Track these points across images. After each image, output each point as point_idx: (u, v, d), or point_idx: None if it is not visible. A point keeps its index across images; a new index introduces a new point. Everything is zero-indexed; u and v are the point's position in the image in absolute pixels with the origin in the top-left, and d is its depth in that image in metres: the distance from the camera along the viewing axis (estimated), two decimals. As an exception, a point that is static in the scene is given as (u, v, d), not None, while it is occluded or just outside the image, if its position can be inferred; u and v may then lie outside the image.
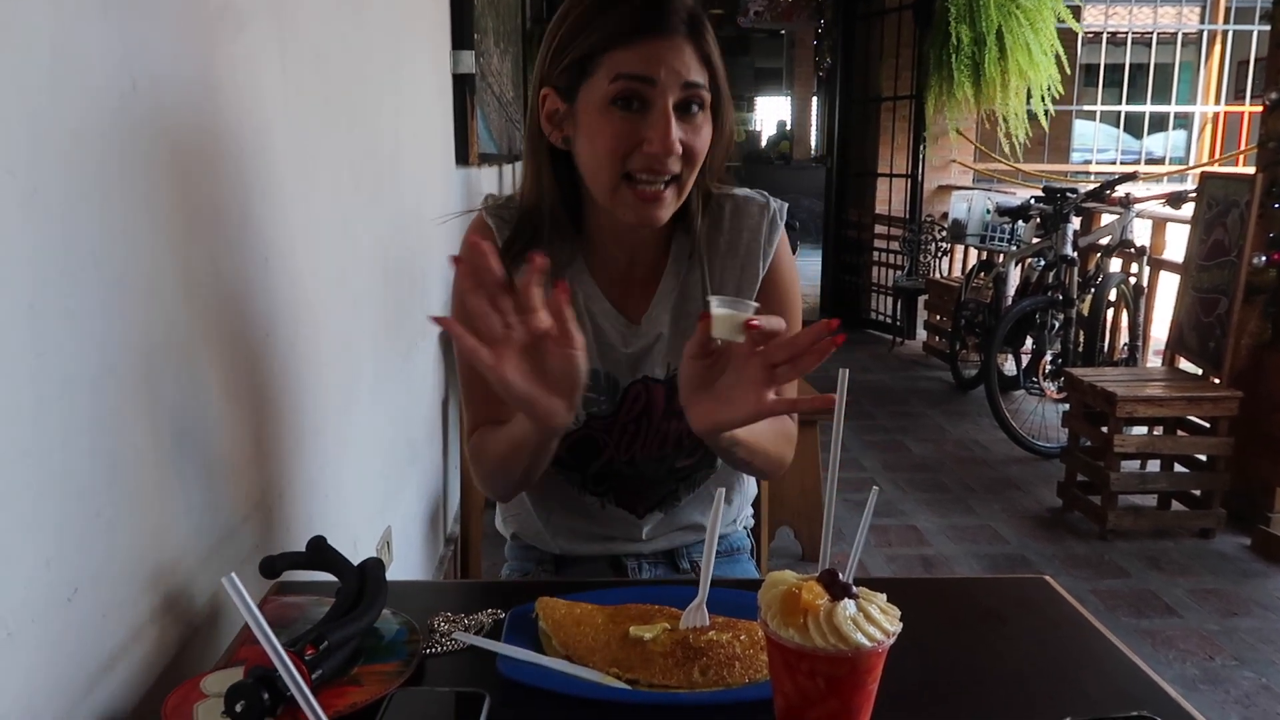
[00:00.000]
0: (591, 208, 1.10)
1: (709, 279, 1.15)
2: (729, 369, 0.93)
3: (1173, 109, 10.34)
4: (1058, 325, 4.40)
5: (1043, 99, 5.81)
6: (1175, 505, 3.41)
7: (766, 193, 1.19)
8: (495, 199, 1.17)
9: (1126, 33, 10.12)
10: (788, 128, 10.04)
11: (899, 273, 6.40)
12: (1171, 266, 4.22)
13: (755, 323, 0.87)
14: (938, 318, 5.81)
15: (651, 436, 1.17)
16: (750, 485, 1.33)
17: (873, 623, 0.68)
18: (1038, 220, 4.68)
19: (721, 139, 1.07)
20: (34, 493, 0.70)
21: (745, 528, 1.38)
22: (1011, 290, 4.87)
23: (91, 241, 0.78)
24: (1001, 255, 5.18)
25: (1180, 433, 3.38)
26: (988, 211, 5.62)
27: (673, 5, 1.00)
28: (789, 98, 11.44)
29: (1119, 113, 10.20)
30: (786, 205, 1.19)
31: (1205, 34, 10.35)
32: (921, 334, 6.27)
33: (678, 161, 1.00)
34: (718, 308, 0.89)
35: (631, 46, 0.98)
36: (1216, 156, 9.46)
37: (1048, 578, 1.06)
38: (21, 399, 0.69)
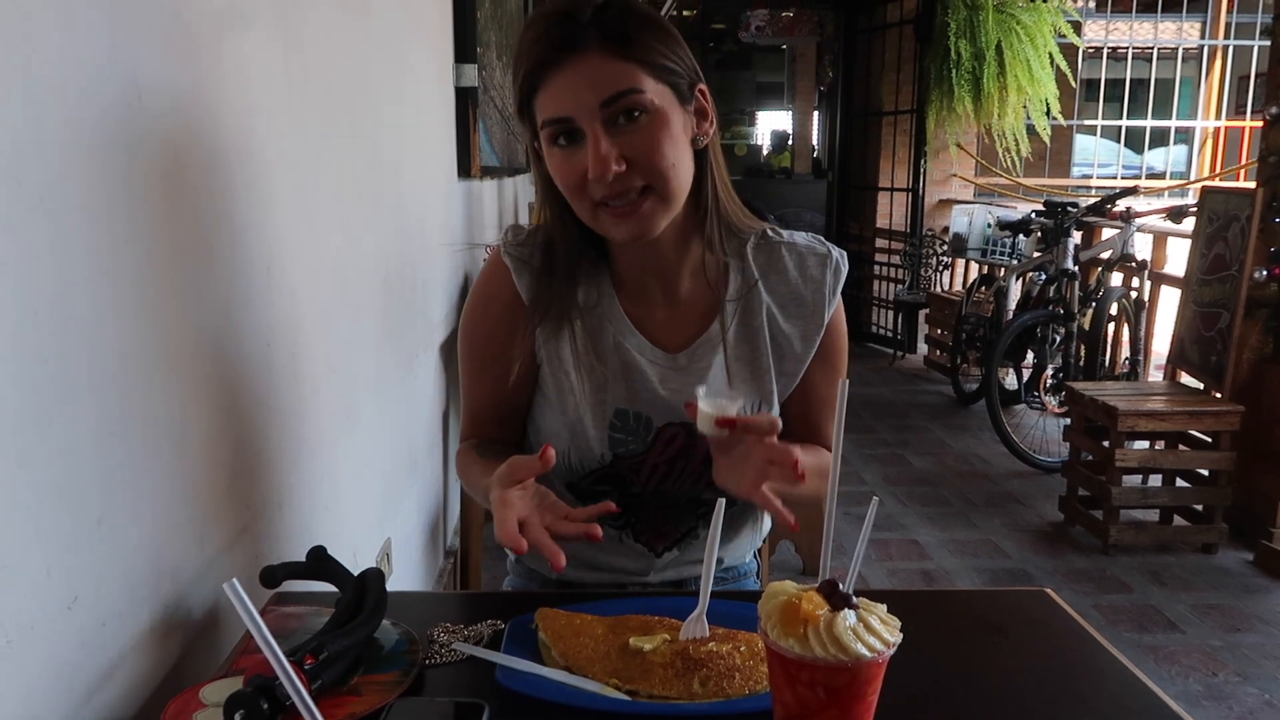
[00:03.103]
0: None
1: (770, 328, 1.12)
2: (745, 442, 0.94)
3: (1173, 124, 10.37)
4: (1059, 339, 4.40)
5: (1045, 114, 5.82)
6: (1177, 520, 3.39)
7: (824, 239, 1.16)
8: (517, 233, 1.14)
9: (1127, 48, 10.16)
10: (789, 141, 10.09)
11: (900, 286, 6.40)
12: (1172, 281, 4.22)
13: (732, 419, 0.90)
14: (939, 332, 5.81)
15: (685, 477, 1.13)
16: (766, 520, 1.29)
17: (873, 633, 0.68)
18: (1039, 234, 4.69)
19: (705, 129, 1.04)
20: (35, 501, 0.70)
21: (754, 551, 1.33)
22: (1012, 304, 4.87)
23: (96, 250, 0.79)
24: (1002, 269, 5.19)
25: (1182, 447, 3.37)
26: (989, 225, 5.63)
27: (573, 23, 0.95)
28: (790, 112, 11.48)
29: (1120, 127, 10.23)
30: (846, 254, 1.15)
31: (1206, 49, 10.40)
32: (922, 348, 6.27)
33: (635, 175, 0.97)
34: (701, 402, 0.92)
35: (544, 87, 0.97)
36: (1217, 171, 9.48)
37: (1048, 591, 1.06)
38: (24, 406, 0.69)
